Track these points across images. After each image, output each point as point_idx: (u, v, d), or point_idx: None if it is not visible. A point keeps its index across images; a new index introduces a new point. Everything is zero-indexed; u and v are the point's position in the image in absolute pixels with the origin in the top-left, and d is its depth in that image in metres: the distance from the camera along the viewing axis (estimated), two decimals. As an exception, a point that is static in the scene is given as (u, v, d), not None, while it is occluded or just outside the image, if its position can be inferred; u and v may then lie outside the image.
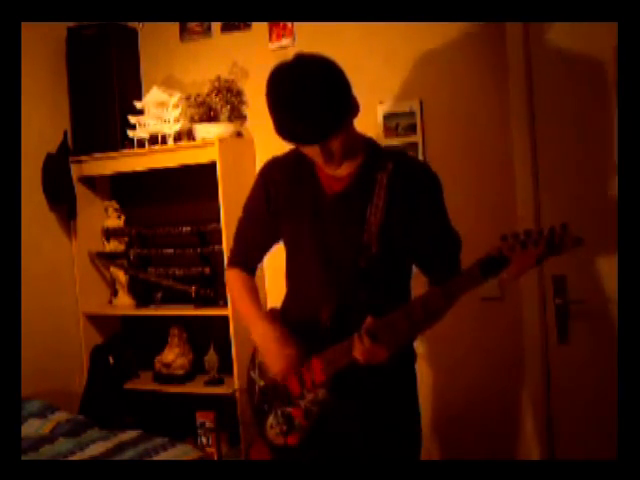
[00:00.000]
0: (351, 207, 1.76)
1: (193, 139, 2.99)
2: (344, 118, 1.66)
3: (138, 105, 3.06)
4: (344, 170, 1.77)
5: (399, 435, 1.82)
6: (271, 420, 1.86)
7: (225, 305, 2.90)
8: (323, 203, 1.79)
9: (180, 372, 3.13)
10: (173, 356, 3.16)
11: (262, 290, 2.97)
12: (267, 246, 1.96)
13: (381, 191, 1.73)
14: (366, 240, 1.73)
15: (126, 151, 3.07)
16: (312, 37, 2.81)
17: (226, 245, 2.83)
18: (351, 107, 1.68)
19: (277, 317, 1.87)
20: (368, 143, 1.83)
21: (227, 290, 2.02)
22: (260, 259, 2.00)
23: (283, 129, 1.64)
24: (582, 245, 1.48)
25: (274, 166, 1.91)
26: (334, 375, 1.74)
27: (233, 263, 1.99)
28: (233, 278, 1.98)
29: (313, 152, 1.69)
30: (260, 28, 2.97)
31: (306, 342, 1.78)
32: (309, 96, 1.59)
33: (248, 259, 1.98)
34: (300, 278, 1.88)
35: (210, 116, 2.91)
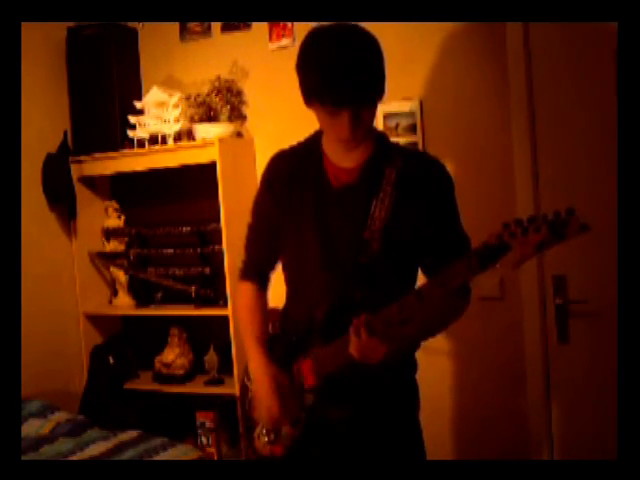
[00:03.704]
0: (356, 201, 1.70)
1: (193, 139, 2.99)
2: (382, 90, 1.63)
3: (138, 105, 3.06)
4: (353, 161, 1.72)
5: (393, 446, 1.75)
6: (259, 429, 1.81)
7: (225, 305, 2.90)
8: (329, 196, 1.72)
9: (180, 372, 3.13)
10: (173, 356, 3.16)
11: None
12: (280, 249, 1.87)
13: (388, 187, 1.67)
14: (368, 236, 1.67)
15: (126, 151, 3.08)
16: (312, 37, 2.81)
17: (226, 245, 2.83)
18: (384, 86, 1.64)
19: (275, 320, 1.83)
20: (378, 136, 1.78)
21: (236, 305, 1.96)
22: (273, 265, 1.91)
23: (325, 86, 1.55)
24: (588, 232, 1.34)
25: (279, 160, 1.85)
26: (324, 380, 1.67)
27: (245, 275, 1.92)
28: (242, 294, 1.91)
29: (340, 121, 1.59)
30: (260, 28, 2.97)
31: (301, 342, 1.73)
32: (360, 52, 1.55)
33: (261, 269, 1.91)
34: (301, 274, 1.81)
35: (210, 116, 2.91)
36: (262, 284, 1.91)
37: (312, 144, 1.80)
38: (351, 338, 1.57)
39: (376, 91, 1.62)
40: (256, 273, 1.91)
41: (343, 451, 1.75)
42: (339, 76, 1.53)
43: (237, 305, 1.93)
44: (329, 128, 1.67)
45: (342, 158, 1.73)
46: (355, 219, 1.69)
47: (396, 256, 1.70)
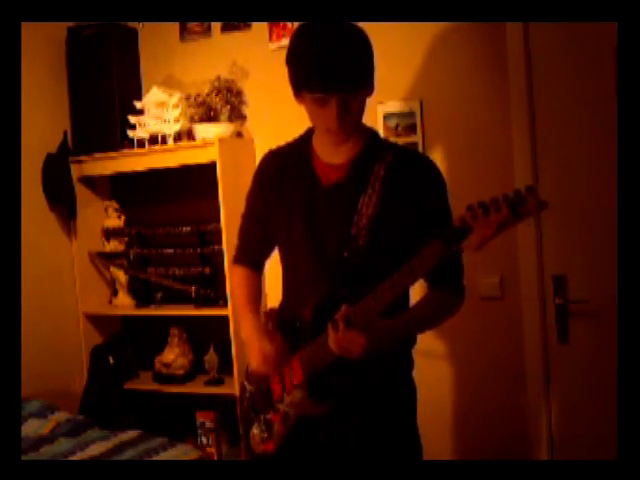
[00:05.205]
0: (345, 198, 1.70)
1: (193, 139, 2.99)
2: (370, 79, 1.65)
3: (138, 105, 3.06)
4: (342, 157, 1.73)
5: (386, 444, 1.73)
6: (254, 428, 1.82)
7: (225, 305, 2.90)
8: (318, 194, 1.74)
9: (180, 372, 3.13)
10: (173, 356, 3.16)
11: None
12: (271, 241, 1.90)
13: (376, 183, 1.68)
14: (354, 232, 1.67)
15: (126, 151, 3.08)
16: (312, 37, 2.81)
17: (226, 245, 2.83)
18: (373, 75, 1.66)
19: (273, 318, 1.84)
20: (369, 132, 1.79)
21: (230, 287, 2.01)
22: (266, 253, 1.96)
23: (313, 71, 1.58)
24: (545, 209, 1.35)
25: (270, 159, 1.88)
26: (315, 376, 1.68)
27: (237, 260, 1.98)
28: (235, 274, 1.97)
29: (328, 110, 1.61)
30: (260, 28, 2.97)
31: (293, 340, 1.74)
32: (346, 42, 1.58)
33: (252, 254, 1.96)
34: (294, 272, 1.83)
35: (210, 116, 2.91)
36: (255, 268, 1.96)
37: (303, 143, 1.81)
38: (329, 332, 1.57)
39: (364, 80, 1.63)
40: (247, 259, 1.96)
41: (335, 449, 1.74)
42: (327, 61, 1.57)
43: (232, 284, 1.99)
44: (317, 119, 1.68)
45: (331, 154, 1.74)
46: (343, 216, 1.69)
47: (382, 252, 1.69)
